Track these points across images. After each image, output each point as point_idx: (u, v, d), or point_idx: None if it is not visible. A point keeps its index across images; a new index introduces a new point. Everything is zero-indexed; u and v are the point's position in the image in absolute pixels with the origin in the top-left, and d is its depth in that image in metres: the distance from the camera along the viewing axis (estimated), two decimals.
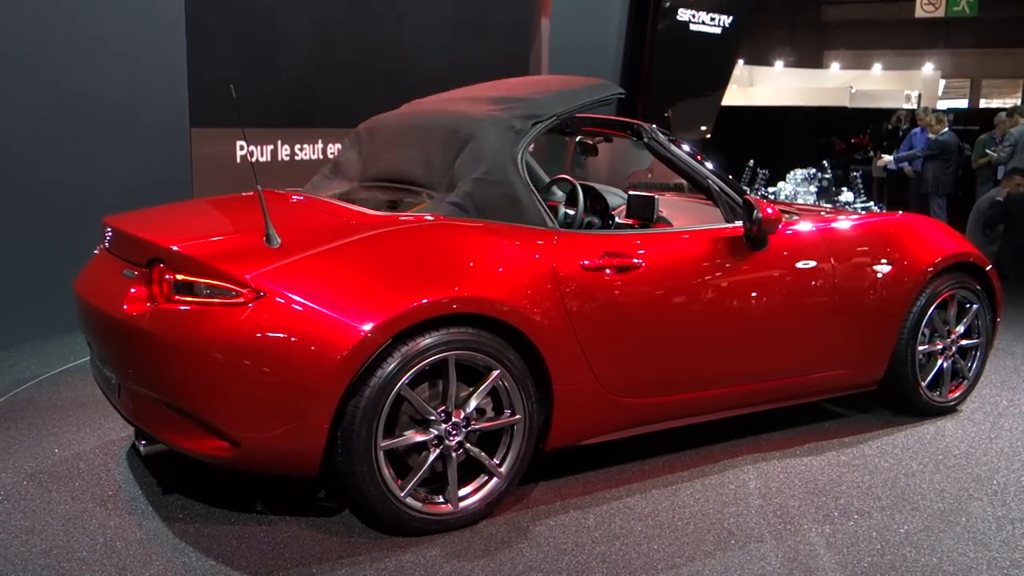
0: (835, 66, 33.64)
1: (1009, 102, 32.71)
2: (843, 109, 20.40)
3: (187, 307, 2.76)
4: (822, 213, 4.26)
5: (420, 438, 2.90)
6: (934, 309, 4.09)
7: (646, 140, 3.63)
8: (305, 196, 3.52)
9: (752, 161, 11.27)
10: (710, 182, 3.62)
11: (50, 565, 2.73)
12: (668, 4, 11.07)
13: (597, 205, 4.27)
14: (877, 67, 32.96)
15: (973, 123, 14.10)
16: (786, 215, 3.82)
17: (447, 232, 3.08)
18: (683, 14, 11.40)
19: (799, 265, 3.68)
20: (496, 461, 3.06)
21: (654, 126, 3.64)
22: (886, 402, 4.27)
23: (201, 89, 6.25)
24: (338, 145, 7.61)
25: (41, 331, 5.29)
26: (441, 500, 2.97)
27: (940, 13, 29.89)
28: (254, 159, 6.77)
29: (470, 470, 3.04)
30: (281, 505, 3.15)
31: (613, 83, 3.66)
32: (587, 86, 3.68)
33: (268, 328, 2.69)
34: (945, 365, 4.22)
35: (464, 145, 3.32)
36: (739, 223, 3.57)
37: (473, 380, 2.99)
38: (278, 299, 2.72)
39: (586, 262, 3.17)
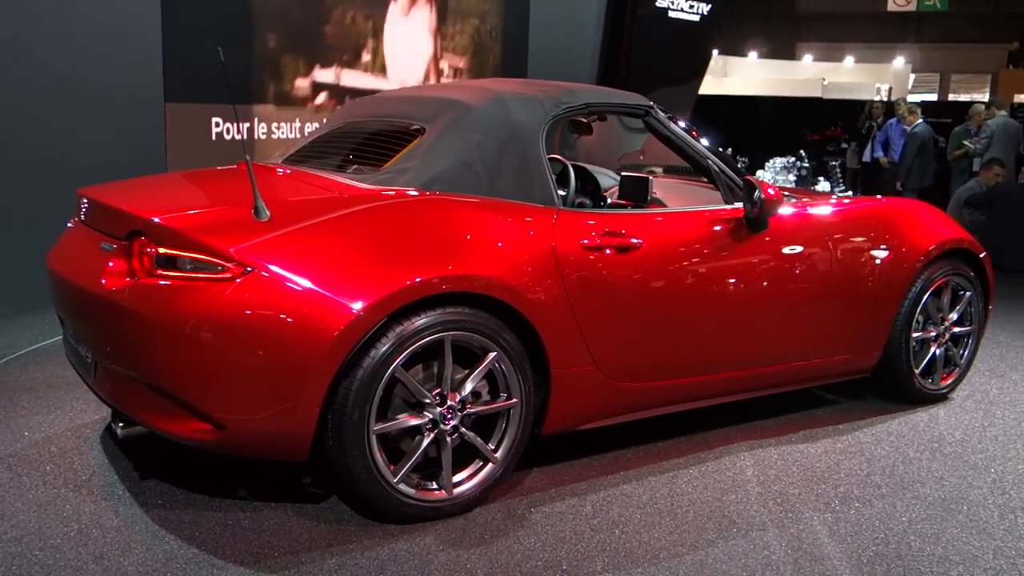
0: (807, 58, 33.79)
1: (976, 97, 33.08)
2: (818, 100, 20.46)
3: (169, 282, 2.61)
4: (819, 197, 4.18)
5: (414, 422, 2.78)
6: (928, 296, 4.04)
7: (645, 118, 3.52)
8: (293, 169, 3.38)
9: (730, 149, 11.24)
10: (710, 162, 3.53)
11: (22, 553, 2.58)
12: None
13: (587, 186, 4.19)
14: (849, 60, 33.16)
15: (944, 116, 14.14)
16: (785, 197, 3.73)
17: (443, 208, 2.95)
18: (662, 0, 11.32)
19: (799, 248, 3.60)
20: (492, 446, 2.95)
21: (652, 104, 3.54)
22: (879, 389, 4.21)
23: (176, 63, 6.06)
24: (316, 125, 7.45)
25: (8, 309, 5.10)
26: (435, 486, 2.86)
27: (911, 7, 30.12)
28: (230, 136, 6.59)
29: (464, 455, 2.93)
30: (266, 491, 3.02)
31: (644, 98, 3.59)
32: (619, 92, 3.68)
33: (256, 305, 2.56)
34: (938, 352, 4.18)
35: (484, 109, 3.19)
36: (739, 204, 3.49)
37: (468, 362, 2.88)
38: (266, 275, 2.58)
39: (586, 241, 3.07)
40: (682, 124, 3.59)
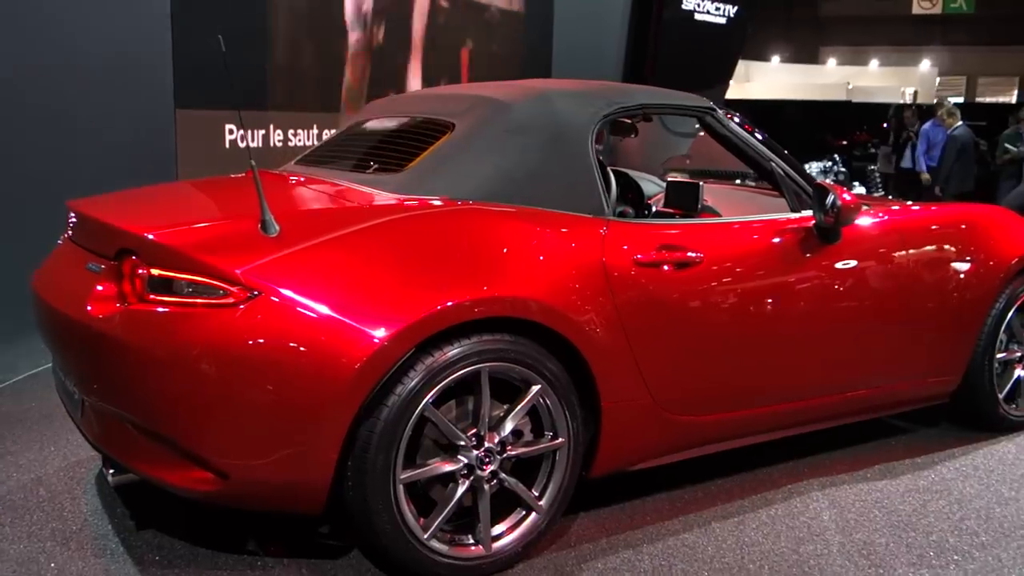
0: (831, 62, 33.34)
1: (1002, 100, 32.49)
2: (846, 104, 20.01)
3: (164, 308, 2.25)
4: (890, 204, 3.78)
5: (447, 468, 2.41)
6: (1013, 312, 3.63)
7: (704, 119, 3.13)
8: (306, 176, 3.01)
9: None
10: (774, 165, 3.14)
11: None
12: None
13: (629, 193, 3.82)
14: (874, 63, 32.70)
15: (976, 118, 13.65)
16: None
17: (477, 219, 2.58)
18: (688, 2, 10.99)
19: (874, 262, 3.20)
20: (535, 493, 2.57)
21: (713, 104, 3.15)
22: (954, 416, 3.80)
23: (187, 67, 5.74)
24: (334, 131, 7.13)
25: (4, 331, 4.76)
26: (471, 541, 2.48)
27: (937, 10, 29.63)
28: (245, 144, 6.26)
29: (503, 502, 2.55)
30: (277, 543, 2.65)
31: (704, 99, 3.21)
32: (676, 92, 3.30)
33: (264, 335, 2.19)
34: (1023, 375, 3.76)
35: (525, 107, 2.83)
36: (807, 213, 3.09)
37: (507, 396, 2.51)
38: (275, 299, 2.22)
39: (639, 256, 2.68)
40: (737, 121, 3.19)
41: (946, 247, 3.45)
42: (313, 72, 6.79)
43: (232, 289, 2.22)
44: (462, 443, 2.41)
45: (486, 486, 2.45)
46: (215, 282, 2.23)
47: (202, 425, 2.23)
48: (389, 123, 3.26)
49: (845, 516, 2.94)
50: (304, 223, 2.44)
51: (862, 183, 11.43)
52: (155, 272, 2.27)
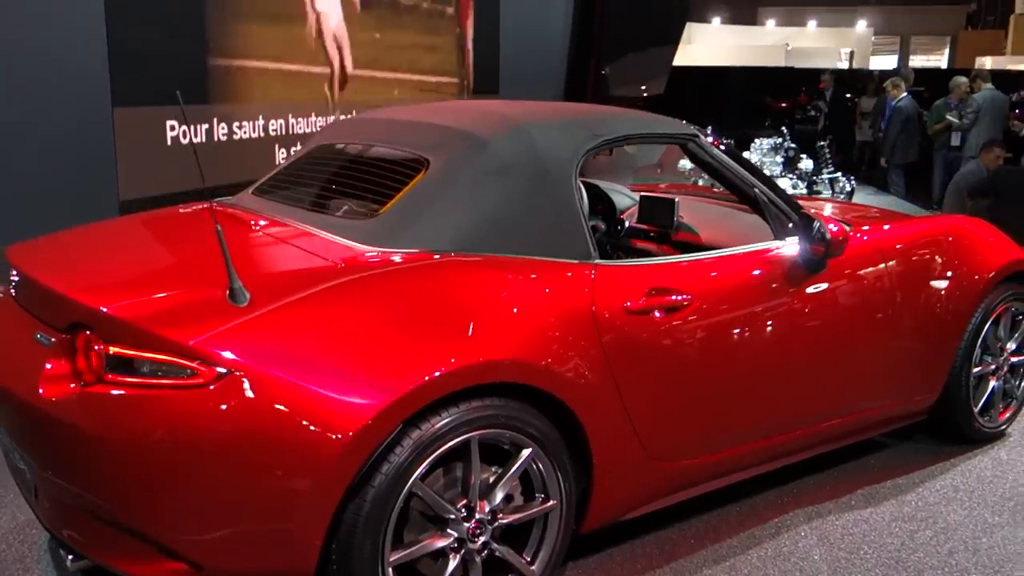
0: (770, 23, 33.48)
1: (933, 59, 33.03)
2: (790, 69, 20.11)
3: (125, 391, 2.06)
4: (867, 216, 3.71)
5: (439, 544, 2.27)
6: (989, 325, 3.61)
7: (688, 145, 3.01)
8: (268, 220, 2.80)
9: (709, 128, 10.75)
10: (757, 192, 3.02)
11: None
12: None
13: (600, 206, 3.70)
14: (812, 24, 32.92)
15: (916, 84, 13.80)
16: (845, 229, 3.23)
17: (460, 275, 2.42)
18: None
19: (860, 286, 3.14)
20: (526, 558, 2.45)
21: (697, 130, 3.03)
22: (929, 428, 3.78)
23: (124, 62, 5.42)
24: (280, 121, 6.86)
25: None
26: None
27: None
28: (187, 140, 5.96)
29: (492, 568, 2.43)
30: None
31: (687, 124, 3.06)
32: (660, 118, 3.16)
33: (237, 417, 2.02)
34: (996, 386, 3.76)
35: (504, 143, 2.66)
36: (790, 240, 3.00)
37: (495, 457, 2.38)
38: (249, 377, 2.04)
39: (629, 304, 2.55)
40: (723, 148, 3.07)
41: (928, 264, 3.40)
42: (256, 61, 6.50)
43: (200, 368, 2.03)
44: (452, 516, 2.28)
45: (477, 558, 2.33)
46: (181, 360, 2.04)
47: (173, 515, 2.06)
48: (355, 151, 3.06)
49: (835, 554, 2.89)
50: (276, 288, 2.25)
51: (810, 156, 11.46)
52: (113, 350, 2.08)
